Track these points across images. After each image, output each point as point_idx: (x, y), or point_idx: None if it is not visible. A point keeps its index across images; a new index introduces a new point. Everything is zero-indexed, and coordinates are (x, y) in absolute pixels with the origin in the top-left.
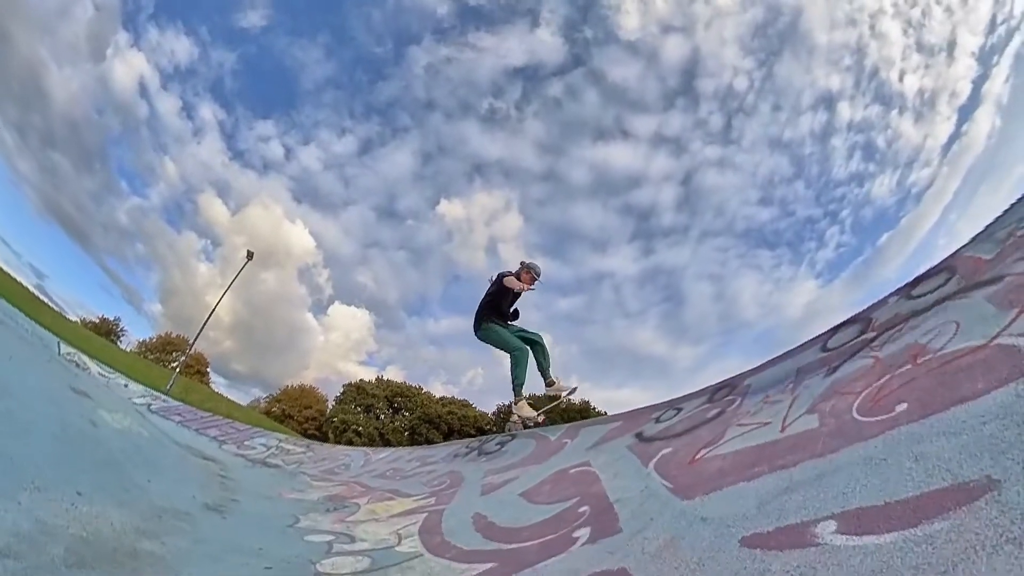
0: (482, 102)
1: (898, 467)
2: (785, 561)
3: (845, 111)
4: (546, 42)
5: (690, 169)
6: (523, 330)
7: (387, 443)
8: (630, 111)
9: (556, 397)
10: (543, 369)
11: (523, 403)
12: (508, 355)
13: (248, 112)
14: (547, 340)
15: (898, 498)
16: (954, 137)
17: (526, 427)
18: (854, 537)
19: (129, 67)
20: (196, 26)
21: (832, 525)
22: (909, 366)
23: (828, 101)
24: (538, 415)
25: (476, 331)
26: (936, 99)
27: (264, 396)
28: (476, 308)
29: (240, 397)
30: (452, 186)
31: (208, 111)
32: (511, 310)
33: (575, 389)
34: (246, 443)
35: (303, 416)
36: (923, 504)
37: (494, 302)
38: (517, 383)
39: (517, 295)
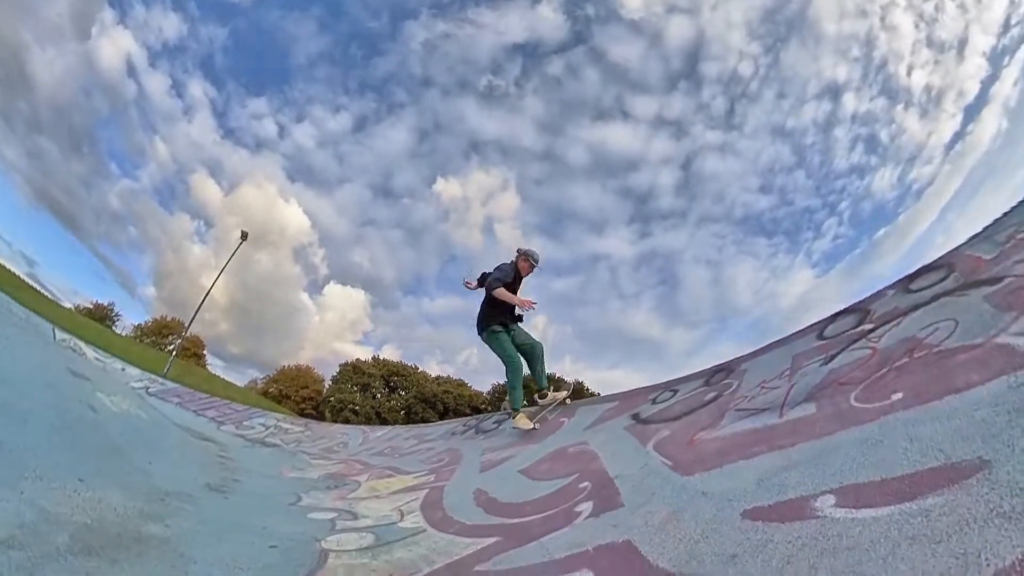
0: (480, 79)
1: (894, 447)
2: (787, 532)
3: (850, 102)
4: (547, 18)
5: (690, 153)
6: (523, 336)
7: (383, 422)
8: (631, 92)
9: (548, 405)
10: (538, 379)
11: (520, 416)
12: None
13: (240, 89)
14: (543, 321)
15: (894, 475)
16: (958, 136)
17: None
18: (853, 510)
19: (115, 46)
20: (184, 1)
21: (831, 499)
22: (906, 359)
23: (833, 91)
24: (534, 425)
25: (480, 333)
26: (943, 96)
27: (261, 377)
28: (479, 307)
29: (237, 378)
30: (449, 164)
31: (198, 89)
32: (514, 311)
33: (569, 394)
34: (244, 423)
35: (300, 396)
36: (918, 481)
37: (495, 299)
38: (513, 405)
39: (517, 287)
